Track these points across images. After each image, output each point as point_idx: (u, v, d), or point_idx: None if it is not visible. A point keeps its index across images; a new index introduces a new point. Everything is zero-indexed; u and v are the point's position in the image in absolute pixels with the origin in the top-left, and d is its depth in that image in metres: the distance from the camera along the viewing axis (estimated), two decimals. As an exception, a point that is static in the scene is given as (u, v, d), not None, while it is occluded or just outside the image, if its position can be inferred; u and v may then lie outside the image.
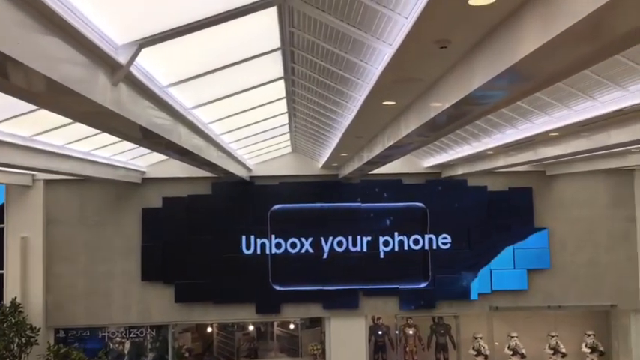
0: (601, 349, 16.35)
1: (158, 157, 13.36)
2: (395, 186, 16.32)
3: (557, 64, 3.81)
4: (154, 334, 16.42)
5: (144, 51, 4.84)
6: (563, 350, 16.24)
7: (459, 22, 3.75)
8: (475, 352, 16.37)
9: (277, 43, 5.99)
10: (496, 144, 10.34)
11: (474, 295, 16.16)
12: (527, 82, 4.35)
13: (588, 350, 16.35)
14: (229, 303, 15.88)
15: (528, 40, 3.48)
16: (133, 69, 5.05)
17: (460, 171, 14.76)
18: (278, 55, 6.40)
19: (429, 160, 15.65)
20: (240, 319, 17.16)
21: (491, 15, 3.66)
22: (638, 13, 2.83)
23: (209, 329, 18.43)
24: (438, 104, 5.65)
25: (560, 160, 12.94)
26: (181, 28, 4.71)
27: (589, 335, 16.45)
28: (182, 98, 6.88)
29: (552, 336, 16.44)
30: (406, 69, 5.03)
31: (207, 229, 15.88)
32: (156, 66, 5.68)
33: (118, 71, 4.80)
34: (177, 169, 14.31)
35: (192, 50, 5.72)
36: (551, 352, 16.35)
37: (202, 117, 8.20)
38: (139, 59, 4.99)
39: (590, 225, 16.30)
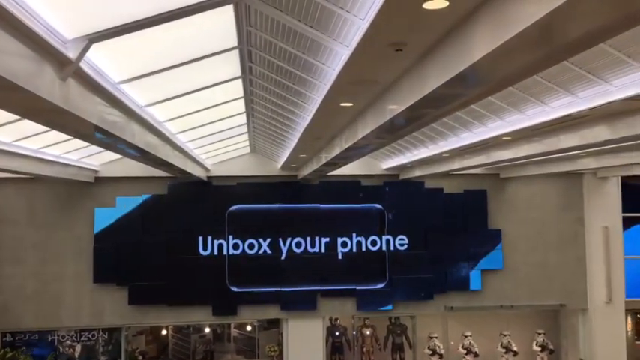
0: (551, 347, 16.86)
1: (112, 155, 13.00)
2: (353, 187, 16.41)
3: (508, 69, 3.90)
4: (106, 337, 16.01)
5: (95, 46, 4.70)
6: (515, 349, 16.67)
7: (413, 25, 3.79)
8: (430, 352, 16.62)
9: (234, 42, 5.92)
10: (452, 147, 10.53)
11: (431, 295, 16.40)
12: (480, 86, 4.43)
13: (539, 349, 16.84)
14: (185, 305, 15.61)
15: (480, 44, 3.54)
16: (83, 64, 4.89)
17: (417, 173, 14.97)
18: (235, 54, 6.33)
19: (387, 162, 15.81)
20: (196, 321, 16.91)
21: (445, 19, 3.71)
22: (585, 19, 2.91)
23: (164, 332, 18.12)
24: (394, 107, 5.69)
25: (513, 163, 13.27)
26: (134, 23, 4.58)
27: (539, 334, 16.94)
28: (136, 95, 6.72)
29: (504, 335, 16.86)
30: (363, 71, 5.05)
31: (162, 229, 15.58)
32: (108, 62, 5.53)
33: (67, 66, 4.64)
34: (132, 168, 13.94)
35: (147, 46, 5.59)
36: (504, 350, 16.77)
37: (157, 115, 8.03)
38: (89, 55, 4.83)
39: (542, 227, 16.79)
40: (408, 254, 16.42)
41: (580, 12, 2.81)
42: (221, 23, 5.35)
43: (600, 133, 7.60)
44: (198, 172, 14.03)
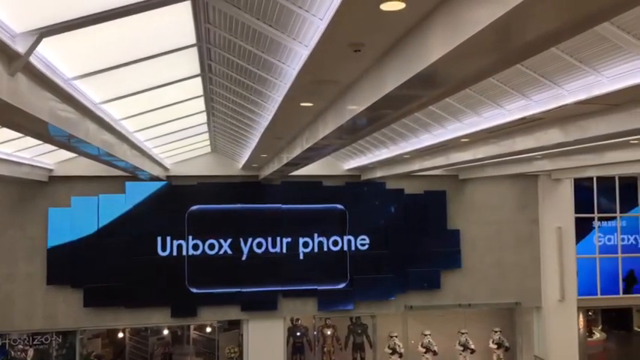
0: (507, 344, 17.26)
1: (67, 154, 12.64)
2: (315, 188, 16.42)
3: (464, 70, 3.95)
4: (60, 340, 15.53)
5: (47, 41, 4.54)
6: (472, 347, 17.01)
7: (371, 26, 3.80)
8: (390, 351, 16.78)
9: (193, 39, 5.82)
10: (412, 148, 10.64)
11: (392, 294, 16.54)
12: (438, 87, 4.48)
13: (495, 346, 17.22)
14: (143, 307, 15.32)
15: (436, 46, 3.58)
16: (33, 59, 4.72)
17: (379, 174, 15.08)
18: (194, 51, 6.23)
19: (348, 163, 15.88)
20: (155, 324, 16.59)
21: (402, 21, 3.73)
22: (539, 22, 2.98)
23: (121, 334, 17.72)
24: (354, 107, 5.71)
25: (471, 164, 13.53)
26: (88, 17, 4.44)
27: (496, 332, 17.33)
28: (90, 92, 6.53)
29: (462, 333, 17.18)
30: (322, 71, 5.05)
31: (120, 230, 15.24)
32: (60, 57, 5.35)
33: (15, 61, 4.46)
34: (87, 167, 13.59)
35: (101, 42, 5.43)
36: (462, 348, 17.08)
37: (114, 113, 7.83)
38: (40, 49, 4.67)
39: (499, 227, 17.18)
40: (369, 254, 16.54)
41: (533, 15, 2.86)
42: (179, 20, 5.25)
43: (554, 135, 7.81)
44: (157, 172, 13.78)
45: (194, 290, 15.60)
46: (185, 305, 15.55)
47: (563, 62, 5.63)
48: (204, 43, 5.99)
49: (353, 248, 16.54)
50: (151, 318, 15.67)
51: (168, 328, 17.99)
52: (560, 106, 6.36)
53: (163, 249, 15.55)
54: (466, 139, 9.28)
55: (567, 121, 7.46)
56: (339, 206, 16.58)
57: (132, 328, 17.38)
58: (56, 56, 5.25)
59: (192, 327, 18.28)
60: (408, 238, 16.66)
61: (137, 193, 15.39)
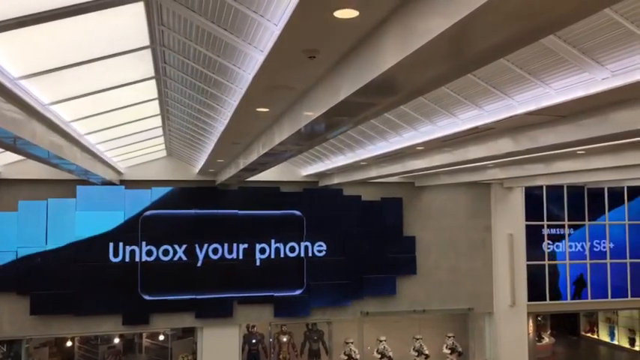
0: (460, 349, 17.58)
1: (14, 156, 12.17)
2: (273, 193, 16.35)
3: (416, 79, 4.01)
4: (4, 350, 14.92)
5: (-10, 38, 4.37)
6: (427, 352, 17.24)
7: (325, 33, 3.81)
8: (346, 357, 16.83)
9: (146, 41, 5.71)
10: (369, 155, 10.73)
11: (348, 301, 16.60)
12: (391, 95, 4.52)
13: (448, 351, 17.51)
14: (93, 315, 14.86)
15: (389, 54, 3.62)
16: (-25, 57, 4.53)
17: (336, 180, 15.15)
18: (148, 53, 6.11)
19: (306, 169, 15.89)
20: (105, 332, 16.14)
21: (356, 28, 3.76)
22: (487, 33, 3.05)
23: (69, 343, 17.16)
24: (310, 113, 5.71)
25: (427, 172, 13.75)
26: (36, 15, 4.30)
27: (449, 337, 17.63)
28: (38, 93, 6.31)
29: (417, 339, 17.40)
30: (277, 76, 5.03)
31: (70, 235, 14.77)
32: (6, 56, 5.16)
33: (-44, 58, 4.28)
34: (36, 170, 13.11)
35: (51, 41, 5.27)
36: (416, 354, 17.29)
37: (63, 114, 7.59)
38: (-17, 46, 4.49)
39: (453, 234, 17.51)
40: (326, 260, 16.56)
41: (481, 26, 2.92)
42: (132, 20, 5.14)
43: (504, 145, 8.01)
44: (109, 176, 13.43)
45: (147, 297, 15.25)
46: (137, 313, 15.18)
47: (513, 74, 5.79)
48: (158, 46, 5.89)
49: (310, 254, 16.53)
50: (102, 326, 15.22)
51: (120, 337, 17.53)
52: (510, 117, 6.54)
53: (115, 255, 15.15)
54: (421, 147, 9.42)
55: (517, 131, 7.68)
56: (297, 212, 16.55)
57: (81, 337, 16.85)
58: (2, 55, 5.06)
59: (144, 335, 17.87)
60: (364, 244, 16.77)
61: (88, 197, 14.96)
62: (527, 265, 18.05)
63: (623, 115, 5.86)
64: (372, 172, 12.92)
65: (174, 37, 5.56)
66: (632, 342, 22.35)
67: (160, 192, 15.52)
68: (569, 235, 18.83)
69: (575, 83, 5.43)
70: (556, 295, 18.49)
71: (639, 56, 4.62)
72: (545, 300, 18.34)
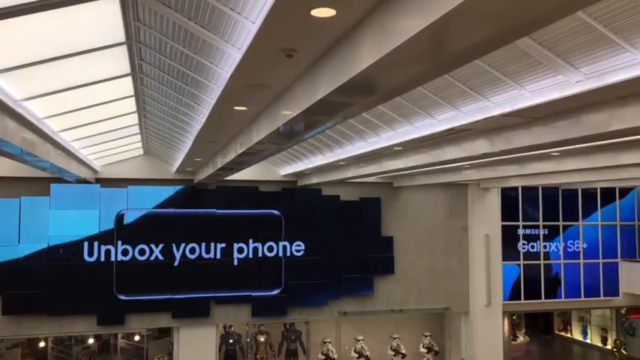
0: (436, 349, 17.72)
1: (-14, 153, 11.90)
2: (251, 193, 16.28)
3: (393, 79, 4.02)
4: (-26, 351, 14.61)
5: (-40, 32, 4.26)
6: (404, 351, 17.34)
7: (302, 31, 3.80)
8: (324, 357, 16.84)
9: (122, 37, 5.63)
10: (347, 155, 10.76)
11: (326, 300, 16.60)
12: (368, 95, 4.53)
13: (425, 350, 17.64)
14: (67, 315, 14.63)
15: (366, 54, 3.62)
16: (-56, 50, 4.42)
17: (315, 180, 15.15)
18: (123, 49, 6.02)
19: (285, 169, 15.86)
20: (79, 332, 15.89)
21: (333, 27, 3.76)
22: (461, 34, 3.07)
23: (42, 344, 16.86)
24: (288, 112, 5.70)
25: (404, 172, 13.83)
26: (7, 9, 4.20)
27: (426, 336, 17.76)
28: (10, 88, 6.18)
29: (394, 338, 17.49)
30: (255, 75, 5.01)
31: (44, 234, 14.51)
32: (-24, 50, 5.05)
33: None
34: (9, 167, 12.83)
35: (23, 36, 5.16)
36: (393, 353, 17.38)
37: (36, 111, 7.45)
38: (-48, 40, 4.38)
39: (430, 234, 17.64)
40: (304, 260, 16.54)
41: (456, 27, 2.95)
42: (107, 16, 5.06)
43: (480, 146, 8.10)
44: (84, 174, 13.22)
45: (122, 297, 15.06)
46: (112, 313, 14.97)
47: (489, 76, 5.85)
48: (134, 42, 5.81)
49: (288, 254, 16.50)
50: (75, 326, 14.97)
51: (94, 337, 17.28)
52: (486, 118, 6.61)
53: (90, 254, 14.92)
54: (399, 148, 9.47)
55: (493, 133, 7.76)
56: (275, 212, 16.51)
57: (55, 337, 16.56)
58: (-29, 48, 4.95)
59: (119, 335, 17.65)
60: (342, 244, 16.80)
61: (63, 195, 14.71)
62: (503, 265, 18.28)
63: (595, 118, 5.97)
64: (351, 172, 12.95)
65: (151, 34, 5.50)
66: (604, 341, 22.79)
67: (136, 191, 15.31)
68: (548, 235, 19.12)
69: (550, 85, 5.51)
70: (530, 294, 18.75)
71: (612, 59, 4.70)
72: (520, 299, 18.58)
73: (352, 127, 9.26)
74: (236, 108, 6.48)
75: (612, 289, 19.32)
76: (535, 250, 19.02)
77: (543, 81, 5.53)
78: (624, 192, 19.92)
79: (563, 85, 5.31)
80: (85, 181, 14.21)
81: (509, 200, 18.75)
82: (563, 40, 4.78)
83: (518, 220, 18.90)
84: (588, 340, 23.75)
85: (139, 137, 12.20)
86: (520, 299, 18.60)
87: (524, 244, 18.90)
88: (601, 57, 4.76)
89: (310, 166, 13.28)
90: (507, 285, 18.42)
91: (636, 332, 20.65)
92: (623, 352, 20.22)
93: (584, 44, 4.70)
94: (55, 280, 14.46)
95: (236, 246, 16.13)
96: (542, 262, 18.99)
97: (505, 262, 18.36)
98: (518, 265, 18.73)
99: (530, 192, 18.98)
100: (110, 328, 15.56)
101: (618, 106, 5.63)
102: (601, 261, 19.37)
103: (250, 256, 16.22)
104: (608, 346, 21.94)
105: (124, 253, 15.18)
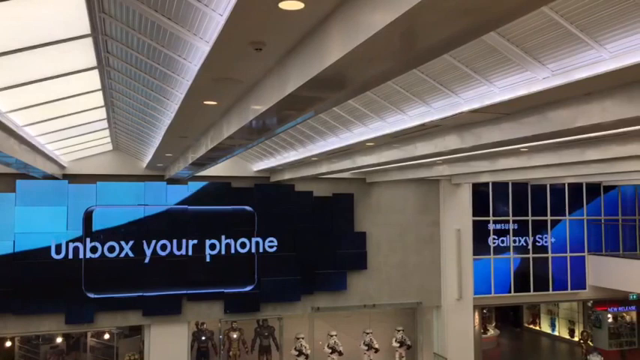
0: (408, 343, 17.87)
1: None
2: (224, 189, 16.14)
3: (362, 73, 4.00)
4: (-64, 353, 14.18)
5: None
6: (376, 346, 17.44)
7: (271, 24, 3.76)
8: (297, 353, 16.82)
9: (87, 29, 5.49)
10: (320, 150, 10.73)
11: (299, 296, 16.58)
12: (337, 90, 4.51)
13: (397, 345, 17.77)
14: (34, 313, 14.30)
15: (334, 48, 3.60)
16: None
17: (288, 176, 15.09)
18: (89, 42, 5.88)
19: (257, 164, 15.76)
20: (47, 331, 15.55)
21: (302, 21, 3.72)
22: (429, 29, 3.06)
23: (9, 343, 16.46)
24: (258, 107, 5.64)
25: (376, 168, 13.87)
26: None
27: (399, 331, 17.89)
28: (-30, 81, 5.99)
29: (367, 333, 17.58)
30: (224, 68, 4.94)
31: (9, 231, 14.15)
32: None
33: None
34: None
35: (-18, 27, 5.00)
36: (366, 348, 17.47)
37: (0, 105, 7.23)
38: None
39: (402, 229, 17.76)
40: (277, 256, 16.49)
41: (424, 20, 2.93)
42: (70, 7, 4.93)
43: (451, 141, 8.16)
44: (51, 169, 12.92)
45: (91, 295, 14.79)
46: (81, 311, 14.70)
47: (459, 72, 5.88)
48: (100, 34, 5.68)
49: (261, 250, 16.42)
50: (43, 325, 14.65)
51: (63, 336, 16.95)
52: (456, 114, 6.65)
53: (58, 252, 14.61)
54: (371, 143, 9.49)
55: (463, 128, 7.83)
56: (248, 208, 16.41)
57: (22, 337, 16.18)
58: None
59: (89, 334, 17.34)
60: (315, 240, 16.79)
61: (29, 191, 14.36)
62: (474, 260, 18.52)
63: (562, 114, 6.06)
64: (323, 168, 12.93)
65: (117, 26, 5.38)
66: (571, 333, 23.33)
67: (105, 187, 15.04)
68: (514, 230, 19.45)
69: (518, 82, 5.56)
70: (500, 288, 19.06)
71: (578, 56, 4.76)
72: (490, 293, 18.87)
73: (324, 123, 9.23)
74: (206, 102, 6.39)
75: (579, 283, 19.77)
76: (505, 244, 19.32)
77: (511, 77, 5.57)
78: (592, 188, 20.38)
79: (531, 82, 5.37)
80: (53, 177, 13.90)
81: (480, 196, 19.00)
82: (531, 37, 4.83)
83: (489, 215, 19.17)
84: (556, 333, 24.29)
85: (107, 132, 11.98)
86: (490, 293, 18.88)
87: (494, 238, 19.18)
88: (567, 54, 4.82)
89: (283, 161, 13.22)
90: (478, 279, 18.67)
91: (602, 324, 21.18)
92: (590, 343, 20.72)
93: (551, 41, 4.75)
94: (21, 278, 14.12)
95: (208, 242, 15.99)
96: (511, 256, 19.30)
97: (476, 257, 18.60)
98: (489, 259, 18.99)
99: (500, 187, 19.26)
100: (79, 326, 15.27)
101: (584, 103, 5.72)
102: (569, 255, 19.79)
103: (223, 252, 16.09)
104: (576, 338, 22.47)
105: (93, 250, 14.90)
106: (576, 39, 4.59)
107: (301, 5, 3.39)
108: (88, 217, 14.90)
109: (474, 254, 18.53)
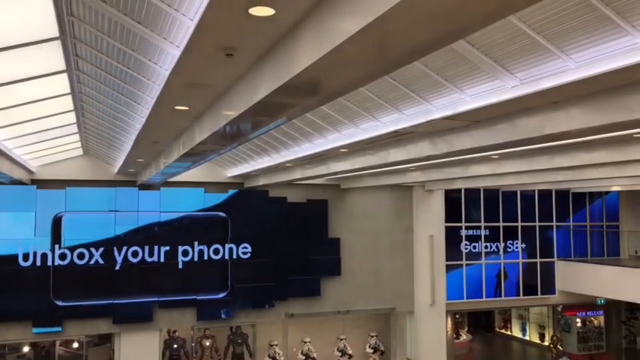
0: (382, 348, 17.92)
1: None
2: (197, 195, 15.99)
3: (333, 80, 4.01)
4: None
5: None
6: (350, 352, 17.44)
7: (241, 30, 3.74)
8: (270, 359, 16.71)
9: (55, 32, 5.39)
10: (293, 156, 10.72)
11: (272, 303, 16.48)
12: (309, 96, 4.51)
13: (371, 350, 17.81)
14: (0, 322, 13.90)
15: (305, 54, 3.60)
16: None
17: (262, 182, 15.03)
18: (57, 45, 5.77)
19: (231, 170, 15.67)
20: (13, 340, 15.14)
21: (273, 27, 3.72)
22: (397, 36, 3.08)
23: (-27, 354, 15.98)
24: (230, 112, 5.61)
25: (351, 174, 13.91)
26: None
27: (372, 337, 17.93)
28: None
29: (341, 339, 17.57)
30: (195, 73, 4.90)
31: (-26, 238, 13.77)
32: None
33: None
34: None
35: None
36: (340, 354, 17.45)
37: (-36, 108, 7.05)
38: None
39: (376, 235, 17.83)
40: (251, 262, 16.38)
41: (394, 27, 2.95)
42: (39, 9, 4.84)
43: (424, 148, 8.24)
44: (19, 174, 12.62)
45: (60, 303, 14.46)
46: (49, 319, 14.36)
47: (431, 79, 5.94)
48: (69, 37, 5.57)
49: (235, 256, 16.30)
50: (9, 334, 14.28)
51: (30, 345, 16.52)
52: (428, 121, 6.72)
53: (25, 259, 14.26)
54: (345, 150, 9.51)
55: (436, 135, 7.91)
56: (221, 214, 16.27)
57: (-14, 347, 15.74)
58: None
59: (57, 342, 16.94)
60: (289, 246, 16.73)
61: (-5, 197, 14.00)
62: (446, 265, 18.68)
63: (530, 122, 6.17)
64: (297, 174, 12.91)
65: (86, 29, 5.29)
66: (541, 337, 23.69)
67: (75, 192, 14.76)
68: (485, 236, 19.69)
69: (488, 90, 5.64)
70: (472, 293, 19.25)
71: (544, 65, 4.86)
72: (463, 299, 19.04)
73: (298, 129, 9.23)
74: (177, 107, 6.33)
75: (549, 288, 20.10)
76: (477, 250, 19.54)
77: (482, 85, 5.66)
78: (561, 195, 20.77)
79: (500, 90, 5.46)
80: (21, 183, 13.58)
81: (452, 202, 19.19)
82: (500, 46, 4.91)
83: (462, 222, 19.38)
84: (527, 337, 24.63)
85: (77, 137, 11.76)
86: (462, 299, 19.05)
87: (466, 244, 19.38)
88: (535, 63, 4.91)
89: (257, 167, 13.17)
90: (451, 284, 18.83)
91: (571, 329, 21.55)
92: (560, 347, 21.07)
93: (519, 50, 4.84)
94: (-14, 286, 13.75)
95: (181, 249, 15.80)
96: (483, 261, 19.53)
97: (449, 263, 18.76)
98: (461, 265, 19.19)
99: (472, 194, 19.49)
100: (46, 335, 14.91)
101: (551, 111, 5.84)
102: (539, 260, 20.11)
103: (196, 259, 15.92)
104: (546, 343, 22.81)
105: (62, 257, 14.59)
106: (543, 49, 4.68)
107: (272, 11, 3.39)
108: (56, 223, 14.59)
109: (447, 260, 18.70)
